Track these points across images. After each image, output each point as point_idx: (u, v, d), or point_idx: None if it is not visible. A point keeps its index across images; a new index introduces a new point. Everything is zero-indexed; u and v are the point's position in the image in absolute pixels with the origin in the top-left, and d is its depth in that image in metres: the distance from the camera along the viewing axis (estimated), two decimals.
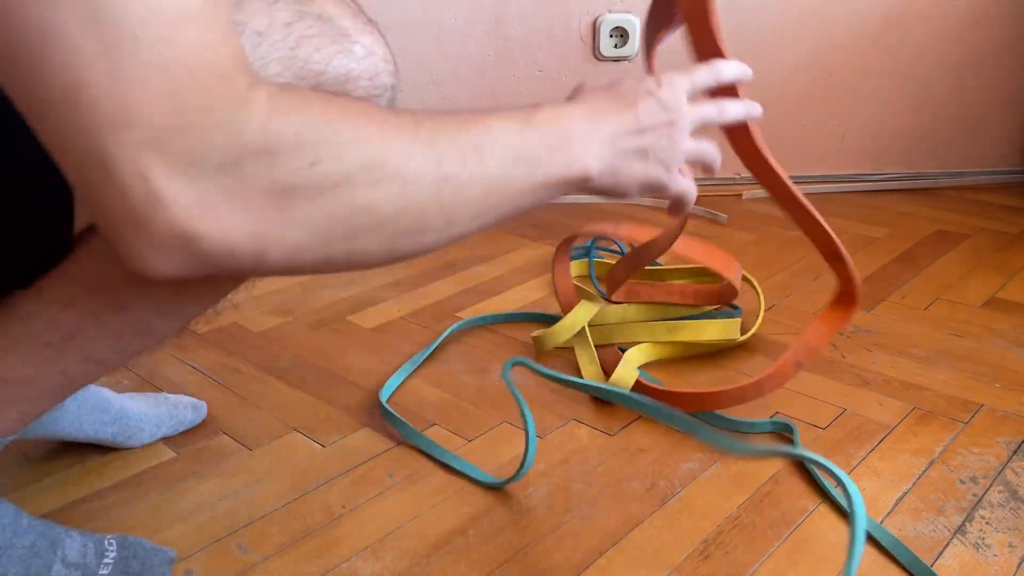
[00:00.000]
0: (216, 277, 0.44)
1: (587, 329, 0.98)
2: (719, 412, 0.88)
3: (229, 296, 0.62)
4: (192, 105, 0.37)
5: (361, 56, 0.57)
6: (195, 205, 0.37)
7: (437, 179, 0.45)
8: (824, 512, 0.74)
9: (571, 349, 1.02)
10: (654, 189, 0.60)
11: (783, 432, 0.86)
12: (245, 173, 0.38)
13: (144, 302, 0.57)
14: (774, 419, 0.86)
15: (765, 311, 1.14)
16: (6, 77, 0.36)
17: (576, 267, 1.24)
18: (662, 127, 0.58)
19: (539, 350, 1.02)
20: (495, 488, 0.77)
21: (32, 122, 0.37)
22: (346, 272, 0.45)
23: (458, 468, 0.80)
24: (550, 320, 1.11)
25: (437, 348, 1.04)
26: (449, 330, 1.07)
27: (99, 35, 0.35)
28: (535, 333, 1.02)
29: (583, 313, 0.98)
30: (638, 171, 0.57)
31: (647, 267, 1.14)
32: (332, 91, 0.51)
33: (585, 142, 0.53)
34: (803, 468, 0.80)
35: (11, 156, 0.45)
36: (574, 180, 0.53)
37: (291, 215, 0.40)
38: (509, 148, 0.49)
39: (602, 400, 0.92)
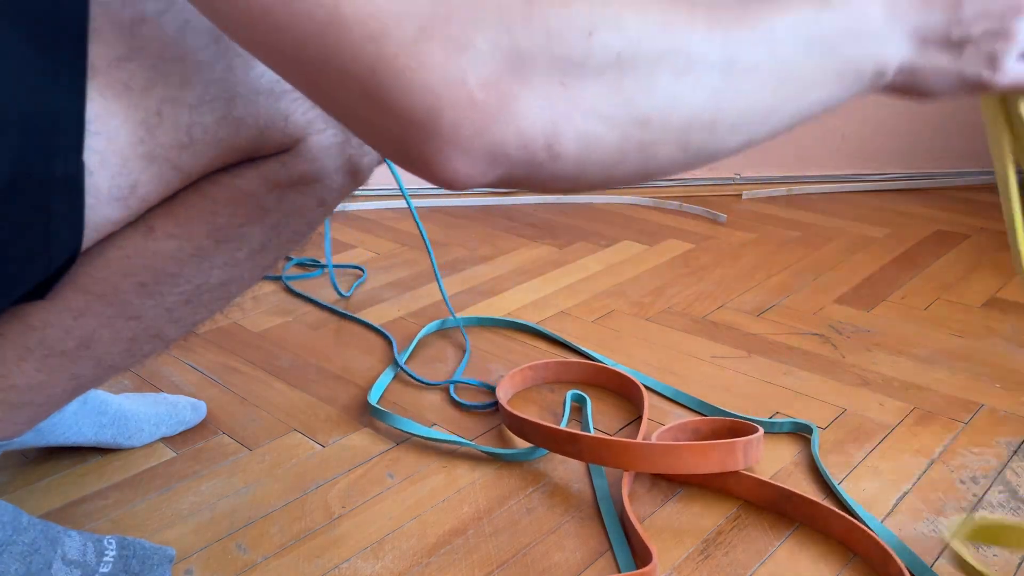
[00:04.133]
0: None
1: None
2: (735, 412, 0.88)
3: (235, 301, 0.62)
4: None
5: None
6: (483, 91, 0.36)
7: (725, 60, 0.40)
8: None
9: None
10: (974, 89, 0.50)
11: (802, 432, 0.86)
12: (522, 53, 0.36)
13: (156, 312, 0.57)
14: (794, 420, 0.86)
15: (764, 311, 1.15)
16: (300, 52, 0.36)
17: None
18: (990, 17, 0.48)
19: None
20: (510, 460, 0.77)
21: (297, 69, 0.37)
22: (640, 182, 0.42)
23: (472, 446, 0.80)
24: (527, 329, 1.11)
25: (436, 348, 1.04)
26: (423, 331, 1.07)
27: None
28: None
29: None
30: (950, 68, 0.48)
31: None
32: None
33: (886, 30, 0.46)
34: (805, 468, 0.80)
35: (17, 166, 0.45)
36: (869, 73, 0.46)
37: (577, 95, 0.37)
38: (801, 30, 0.43)
39: (611, 401, 0.92)
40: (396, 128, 0.37)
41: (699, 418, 0.84)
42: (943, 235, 1.45)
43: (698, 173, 1.72)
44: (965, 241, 1.42)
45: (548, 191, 0.42)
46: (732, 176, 1.73)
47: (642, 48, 0.38)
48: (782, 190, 1.70)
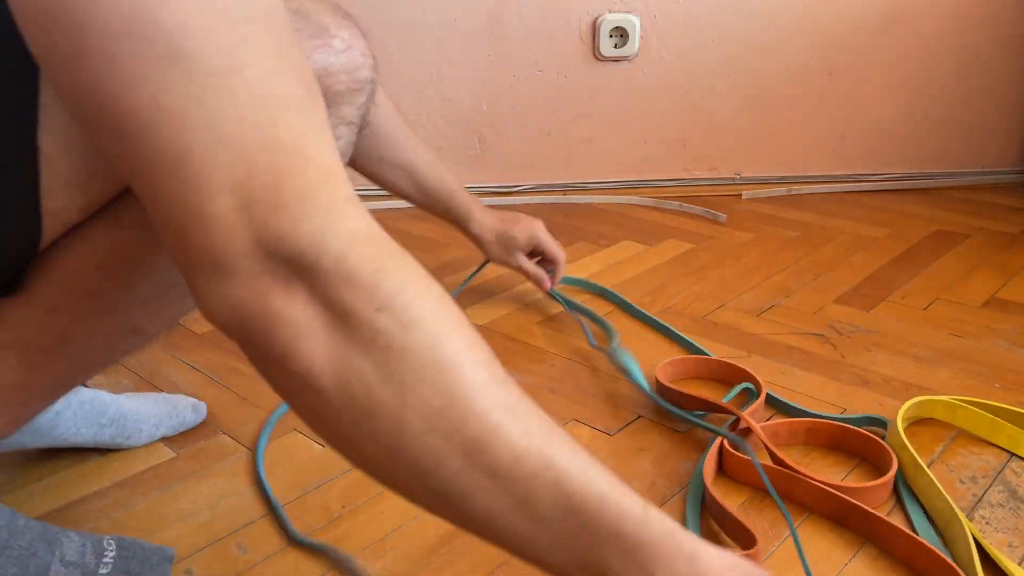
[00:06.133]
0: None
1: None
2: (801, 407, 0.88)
3: None
4: (288, 187, 0.37)
5: (341, 50, 0.57)
6: (265, 276, 0.37)
7: (468, 453, 0.38)
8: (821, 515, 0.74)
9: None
10: None
11: (876, 426, 0.86)
12: (319, 273, 0.37)
13: (130, 305, 0.56)
14: (867, 415, 0.87)
15: (764, 311, 1.14)
16: (110, 147, 0.37)
17: None
18: None
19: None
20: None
21: (133, 180, 0.38)
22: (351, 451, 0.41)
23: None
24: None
25: None
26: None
27: (202, 107, 0.36)
28: None
29: None
30: None
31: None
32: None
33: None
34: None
35: None
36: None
37: (331, 338, 0.38)
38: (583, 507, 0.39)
39: (611, 401, 0.92)
40: (192, 258, 0.38)
41: (810, 419, 0.84)
42: (943, 235, 1.45)
43: (698, 173, 1.72)
44: (965, 241, 1.42)
45: (268, 383, 0.41)
46: (732, 176, 1.72)
47: (412, 370, 0.38)
48: (782, 190, 1.70)
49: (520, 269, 1.10)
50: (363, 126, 0.63)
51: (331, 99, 0.58)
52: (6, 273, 0.52)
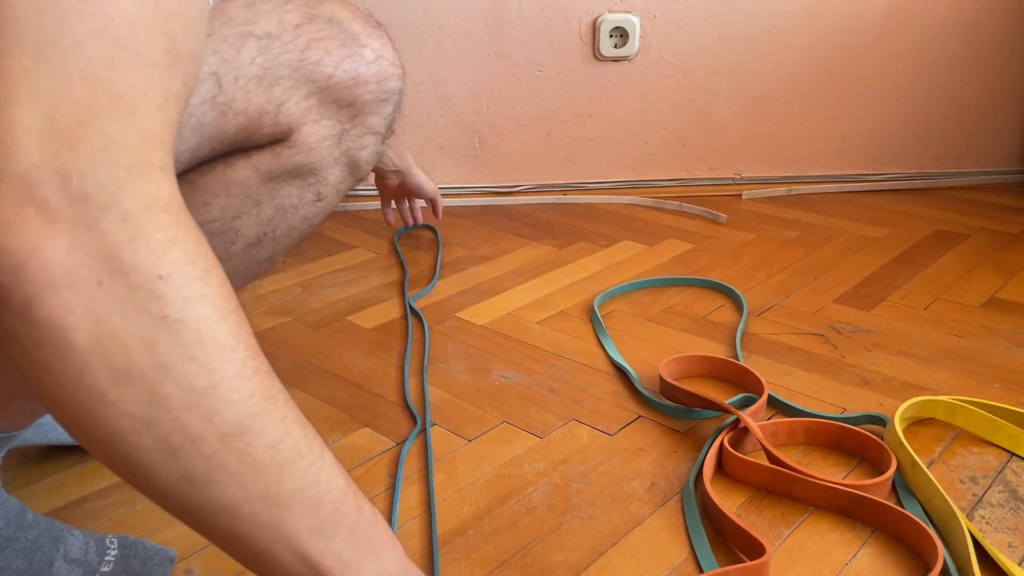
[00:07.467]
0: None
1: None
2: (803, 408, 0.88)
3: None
4: (98, 132, 0.34)
5: (371, 60, 0.57)
6: (34, 205, 0.33)
7: (225, 437, 0.38)
8: (824, 512, 0.74)
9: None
10: None
11: (876, 424, 0.86)
12: (100, 221, 0.34)
13: None
14: (867, 413, 0.87)
15: (764, 311, 1.15)
16: None
17: None
18: None
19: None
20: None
21: None
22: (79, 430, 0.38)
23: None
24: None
25: (436, 348, 1.04)
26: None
27: (43, 19, 0.33)
28: None
29: None
30: None
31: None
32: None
33: None
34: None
35: None
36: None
37: (96, 295, 0.34)
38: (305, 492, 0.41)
39: (611, 401, 0.92)
40: None
41: (810, 419, 0.84)
42: (943, 235, 1.45)
43: (698, 173, 1.72)
44: (965, 241, 1.42)
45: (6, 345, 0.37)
46: (732, 176, 1.73)
47: (173, 359, 0.36)
48: (782, 190, 1.70)
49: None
50: (387, 135, 0.63)
51: (359, 108, 0.58)
52: None
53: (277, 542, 0.41)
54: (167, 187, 0.37)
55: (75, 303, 0.34)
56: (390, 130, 0.63)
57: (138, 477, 0.38)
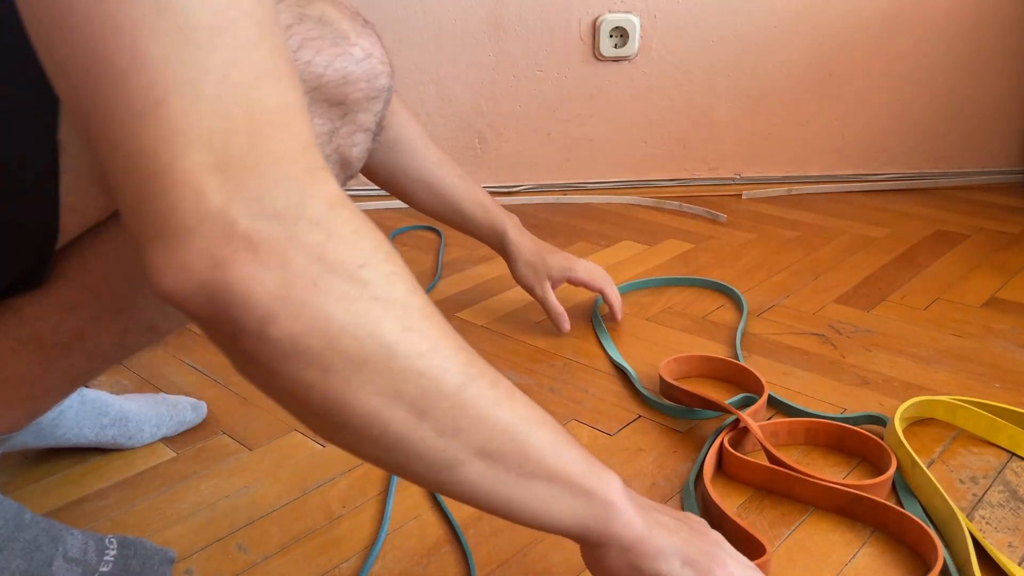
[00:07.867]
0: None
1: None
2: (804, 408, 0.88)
3: None
4: (267, 150, 0.36)
5: (360, 58, 0.58)
6: (238, 237, 0.35)
7: (448, 439, 0.43)
8: (824, 512, 0.74)
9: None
10: None
11: (876, 424, 0.86)
12: (298, 232, 0.36)
13: (147, 302, 0.57)
14: (867, 413, 0.87)
15: (764, 311, 1.14)
16: (78, 91, 0.36)
17: None
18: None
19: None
20: None
21: (96, 129, 0.36)
22: (323, 423, 0.42)
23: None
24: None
25: None
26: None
27: (185, 61, 0.35)
28: None
29: None
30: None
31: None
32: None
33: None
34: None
35: None
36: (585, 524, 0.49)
37: (316, 298, 0.37)
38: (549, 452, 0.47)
39: (611, 401, 0.92)
40: (151, 222, 0.36)
41: (810, 419, 0.84)
42: (943, 235, 1.45)
43: (698, 173, 1.72)
44: (965, 241, 1.42)
45: (237, 364, 0.40)
46: (732, 176, 1.73)
47: (393, 338, 0.39)
48: (782, 190, 1.70)
49: (544, 301, 1.06)
50: (378, 132, 0.63)
51: (349, 106, 0.58)
52: (24, 268, 0.52)
53: (525, 464, 0.45)
54: (334, 183, 0.39)
55: (301, 312, 0.37)
56: (380, 127, 0.63)
57: (397, 452, 0.42)
